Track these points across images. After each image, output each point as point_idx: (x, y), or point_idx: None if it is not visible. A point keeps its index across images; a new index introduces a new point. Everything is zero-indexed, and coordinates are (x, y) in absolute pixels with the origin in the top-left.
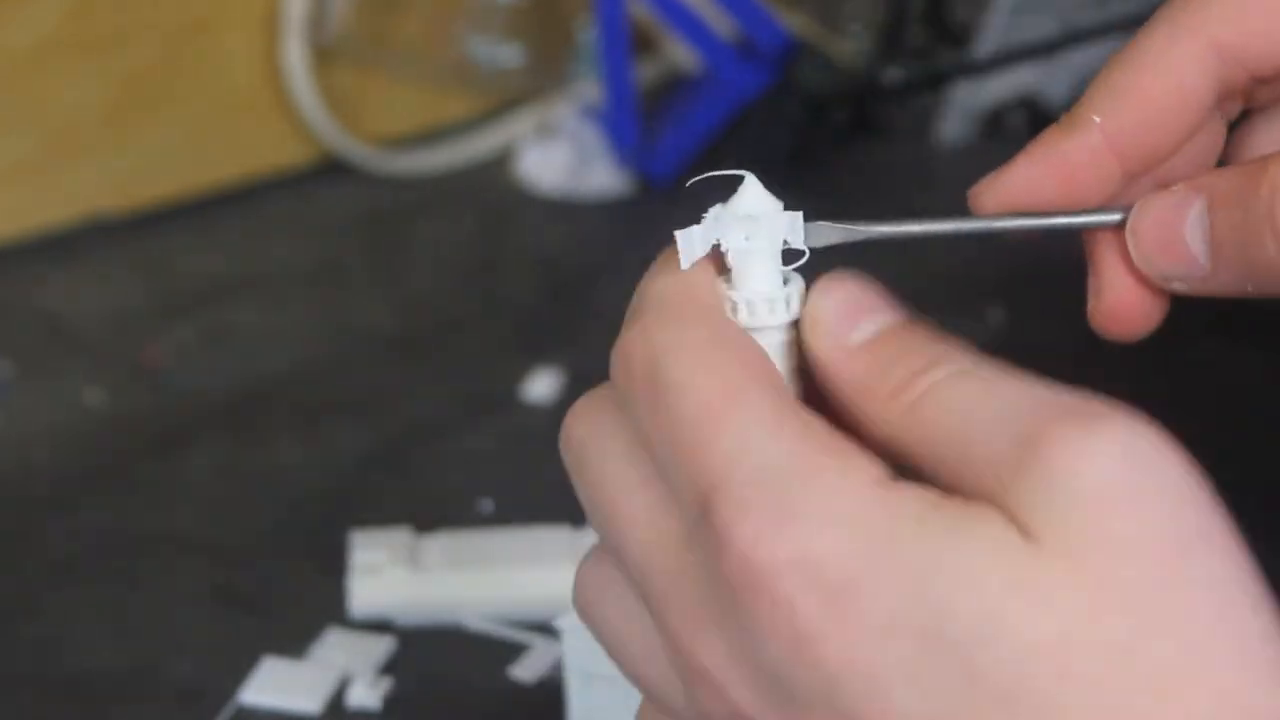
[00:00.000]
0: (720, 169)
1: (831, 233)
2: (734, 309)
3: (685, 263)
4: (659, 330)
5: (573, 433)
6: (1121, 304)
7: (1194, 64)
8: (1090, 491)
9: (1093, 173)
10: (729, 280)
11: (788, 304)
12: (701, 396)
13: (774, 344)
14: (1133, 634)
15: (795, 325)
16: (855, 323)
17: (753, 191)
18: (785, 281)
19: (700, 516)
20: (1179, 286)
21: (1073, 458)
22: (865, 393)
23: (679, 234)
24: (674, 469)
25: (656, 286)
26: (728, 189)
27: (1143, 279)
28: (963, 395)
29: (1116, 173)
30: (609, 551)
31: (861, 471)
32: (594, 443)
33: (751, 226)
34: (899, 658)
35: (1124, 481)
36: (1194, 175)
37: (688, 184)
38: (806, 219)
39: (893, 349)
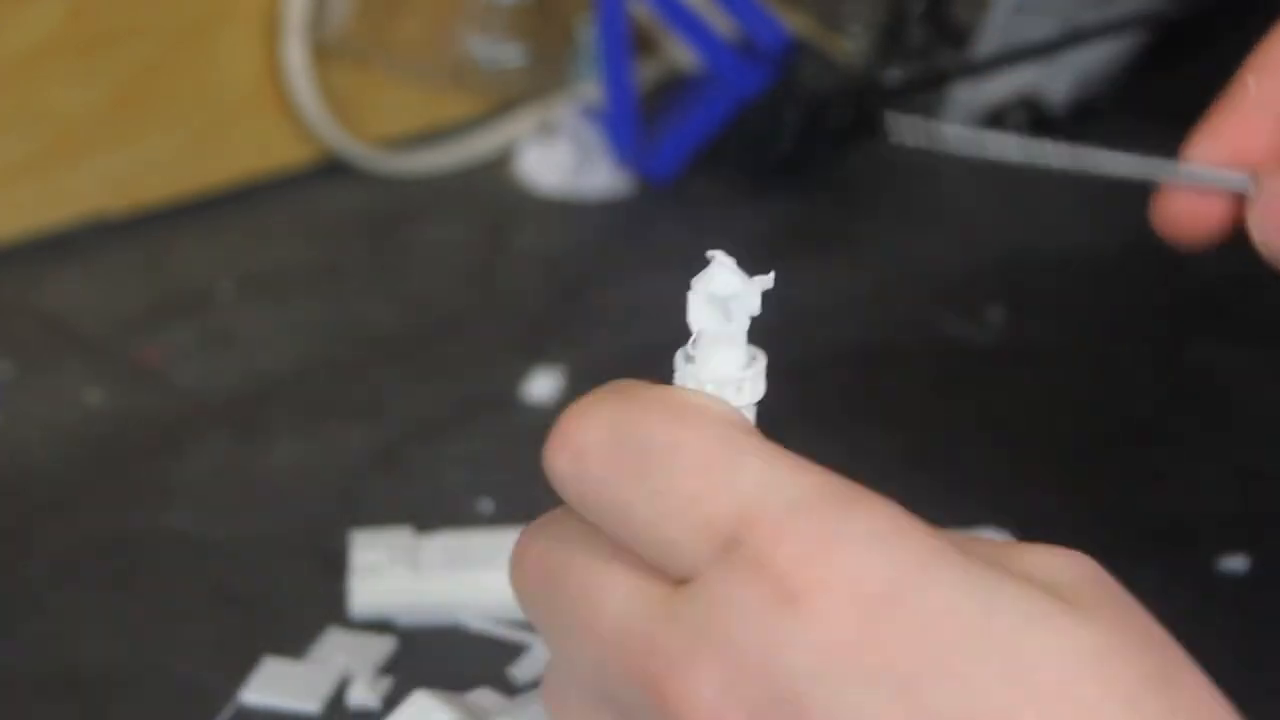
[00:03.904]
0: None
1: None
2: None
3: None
4: (625, 406)
5: (529, 549)
6: (1185, 212)
7: None
8: (1081, 580)
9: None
10: (689, 359)
11: (753, 385)
12: (700, 447)
13: None
14: (1162, 667)
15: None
16: None
17: (724, 271)
18: (749, 362)
19: (723, 551)
20: None
21: (1042, 559)
22: None
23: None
24: (673, 522)
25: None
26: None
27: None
28: None
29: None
30: (563, 663)
31: (889, 501)
32: (553, 545)
33: (723, 308)
34: (937, 659)
35: (1097, 578)
36: None
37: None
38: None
39: None
